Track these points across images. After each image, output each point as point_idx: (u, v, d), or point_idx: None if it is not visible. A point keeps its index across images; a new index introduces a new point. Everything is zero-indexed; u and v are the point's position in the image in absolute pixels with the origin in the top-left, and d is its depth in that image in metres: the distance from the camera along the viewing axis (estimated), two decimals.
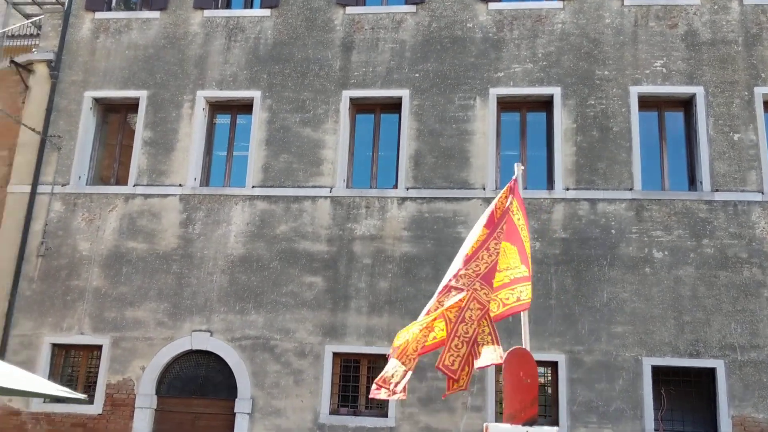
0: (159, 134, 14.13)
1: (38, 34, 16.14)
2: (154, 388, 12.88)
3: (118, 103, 14.68)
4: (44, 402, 12.89)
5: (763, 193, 12.47)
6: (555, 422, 11.89)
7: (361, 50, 14.04)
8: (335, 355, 12.68)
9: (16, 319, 13.47)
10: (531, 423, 5.55)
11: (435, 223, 12.97)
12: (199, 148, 14.05)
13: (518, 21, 13.79)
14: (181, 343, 13.00)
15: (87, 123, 14.46)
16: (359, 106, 14.04)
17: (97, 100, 14.63)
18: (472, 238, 6.63)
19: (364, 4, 14.53)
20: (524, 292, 6.36)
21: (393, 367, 6.31)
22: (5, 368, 6.92)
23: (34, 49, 15.53)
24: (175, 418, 12.86)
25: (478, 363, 6.02)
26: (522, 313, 6.54)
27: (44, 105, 14.55)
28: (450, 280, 6.41)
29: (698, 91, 13.01)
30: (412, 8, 14.09)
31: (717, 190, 12.56)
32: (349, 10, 14.27)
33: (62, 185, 14.07)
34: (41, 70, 14.84)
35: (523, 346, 6.17)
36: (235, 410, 12.55)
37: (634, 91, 13.15)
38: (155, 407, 12.87)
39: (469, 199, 13.01)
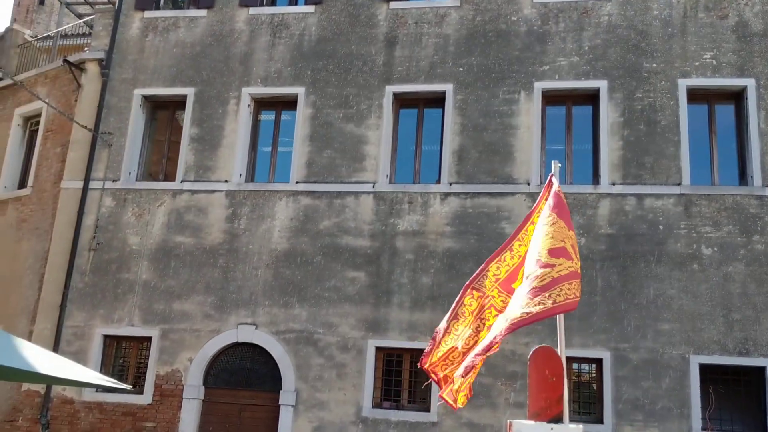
0: (205, 131, 14.37)
1: (90, 34, 16.55)
2: (201, 380, 13.16)
3: (166, 100, 14.98)
4: (96, 392, 13.28)
5: None
6: (600, 420, 11.77)
7: (404, 45, 14.04)
8: (378, 349, 12.75)
9: (69, 311, 13.89)
10: (556, 421, 5.55)
11: (478, 219, 12.92)
12: (245, 144, 14.26)
13: (564, 13, 13.62)
14: (228, 336, 13.24)
15: (136, 120, 14.80)
16: (402, 101, 14.06)
17: (146, 98, 14.95)
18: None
19: None
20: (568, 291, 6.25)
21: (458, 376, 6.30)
22: (58, 359, 7.19)
23: (86, 48, 15.93)
24: (222, 409, 13.11)
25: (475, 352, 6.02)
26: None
27: (96, 103, 14.93)
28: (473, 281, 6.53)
29: (749, 83, 12.66)
30: (455, 2, 14.03)
31: None
32: (393, 5, 14.28)
33: (113, 181, 14.44)
34: (93, 69, 15.21)
35: (558, 343, 6.14)
36: (280, 402, 12.75)
37: (683, 83, 12.86)
38: (202, 398, 13.14)
39: (513, 194, 12.91)
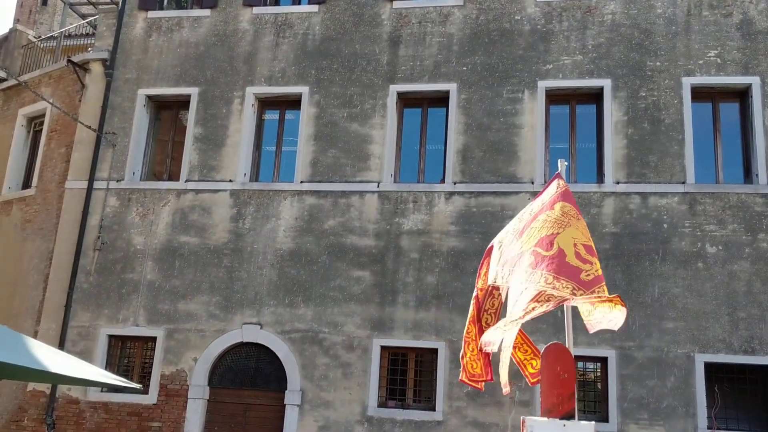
0: (209, 130, 14.38)
1: (93, 34, 16.57)
2: (206, 379, 13.17)
3: (170, 100, 14.99)
4: (101, 391, 13.31)
5: None
6: (605, 418, 11.77)
7: (408, 44, 14.05)
8: (383, 348, 12.77)
9: (74, 311, 13.91)
10: (568, 417, 5.56)
11: (483, 218, 12.93)
12: (249, 143, 14.27)
13: (567, 12, 13.61)
14: (233, 336, 13.26)
15: (140, 120, 14.81)
16: (406, 101, 14.06)
17: (150, 98, 14.96)
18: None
19: None
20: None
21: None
22: (64, 358, 7.19)
23: (89, 49, 15.96)
24: (227, 409, 13.13)
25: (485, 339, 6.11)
26: (566, 307, 6.52)
27: (100, 103, 14.95)
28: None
29: (754, 81, 12.66)
30: (459, 1, 14.03)
31: None
32: (396, 4, 14.28)
33: (117, 181, 14.45)
34: (96, 69, 15.22)
35: (567, 341, 6.15)
36: (285, 402, 12.76)
37: (687, 82, 12.86)
38: (207, 398, 13.15)
39: (517, 193, 12.92)
